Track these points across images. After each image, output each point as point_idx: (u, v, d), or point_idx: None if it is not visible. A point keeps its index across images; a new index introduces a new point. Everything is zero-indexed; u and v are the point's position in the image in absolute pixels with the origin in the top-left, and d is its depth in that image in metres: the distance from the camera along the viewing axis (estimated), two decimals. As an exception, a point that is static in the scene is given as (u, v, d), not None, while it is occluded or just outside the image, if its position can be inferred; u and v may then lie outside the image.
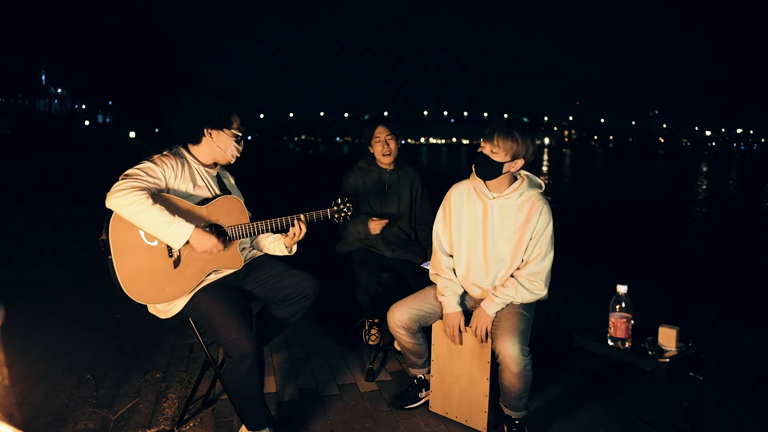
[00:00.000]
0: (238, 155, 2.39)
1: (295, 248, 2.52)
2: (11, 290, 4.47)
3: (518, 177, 2.49)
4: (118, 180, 2.07)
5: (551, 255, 2.40)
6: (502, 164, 2.36)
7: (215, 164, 2.41)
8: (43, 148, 22.77)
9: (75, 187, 12.37)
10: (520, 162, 2.39)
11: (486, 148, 2.38)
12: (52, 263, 5.47)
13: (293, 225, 2.38)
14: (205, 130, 2.30)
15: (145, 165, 2.17)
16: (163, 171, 2.19)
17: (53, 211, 9.13)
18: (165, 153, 2.28)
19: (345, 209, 2.49)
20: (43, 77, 39.46)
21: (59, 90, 44.65)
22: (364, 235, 3.10)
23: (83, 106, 49.74)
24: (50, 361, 3.09)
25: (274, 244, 2.52)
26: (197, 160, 2.35)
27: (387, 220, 2.98)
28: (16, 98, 36.16)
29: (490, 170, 2.39)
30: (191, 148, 2.35)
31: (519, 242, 2.41)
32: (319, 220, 2.44)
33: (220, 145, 2.32)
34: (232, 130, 2.32)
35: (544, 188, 2.50)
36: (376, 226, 2.93)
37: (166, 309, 2.26)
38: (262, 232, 2.34)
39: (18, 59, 32.47)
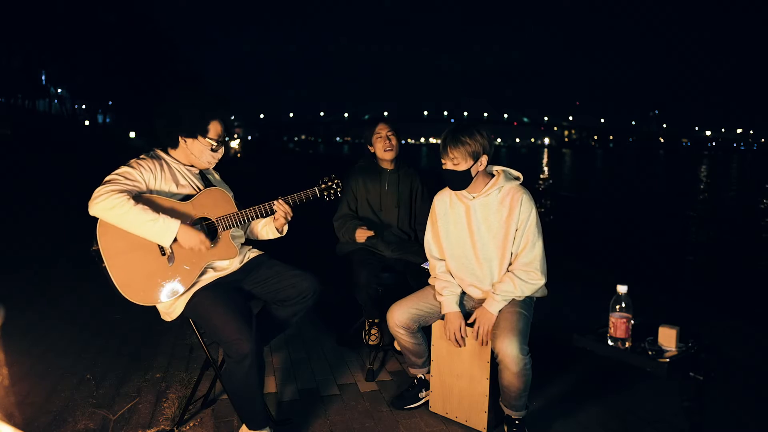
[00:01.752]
0: (215, 162, 2.39)
1: (285, 228, 2.53)
2: (11, 290, 4.47)
3: (494, 173, 2.49)
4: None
5: (540, 242, 2.39)
6: (468, 170, 2.37)
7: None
8: (43, 148, 22.77)
9: (75, 186, 12.34)
10: (485, 158, 2.39)
11: (447, 164, 2.39)
12: (52, 263, 5.47)
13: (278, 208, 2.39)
14: (180, 137, 2.29)
15: (123, 169, 2.17)
16: (141, 174, 2.19)
17: (53, 211, 9.13)
18: (142, 156, 2.28)
19: (333, 185, 2.49)
20: (43, 77, 39.45)
21: (59, 90, 44.62)
22: (354, 240, 3.12)
23: (83, 106, 49.71)
24: (50, 361, 3.10)
25: (266, 229, 2.56)
26: (176, 160, 2.34)
27: (372, 232, 3.06)
28: (16, 98, 36.15)
29: (460, 181, 2.40)
30: (170, 150, 2.35)
31: (506, 236, 2.41)
32: (309, 199, 2.44)
33: (193, 152, 2.31)
34: (208, 138, 2.29)
35: (522, 180, 2.50)
36: (361, 235, 3.05)
37: (169, 311, 2.26)
38: (252, 220, 2.34)
39: (18, 59, 32.47)
